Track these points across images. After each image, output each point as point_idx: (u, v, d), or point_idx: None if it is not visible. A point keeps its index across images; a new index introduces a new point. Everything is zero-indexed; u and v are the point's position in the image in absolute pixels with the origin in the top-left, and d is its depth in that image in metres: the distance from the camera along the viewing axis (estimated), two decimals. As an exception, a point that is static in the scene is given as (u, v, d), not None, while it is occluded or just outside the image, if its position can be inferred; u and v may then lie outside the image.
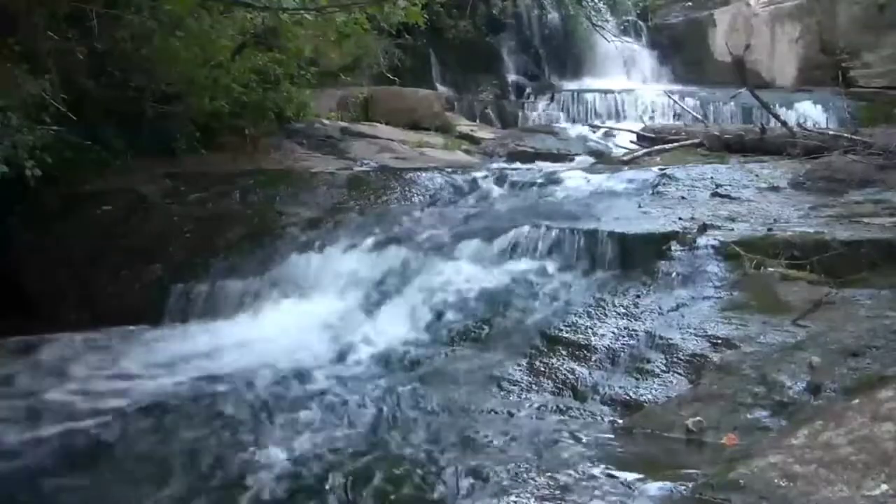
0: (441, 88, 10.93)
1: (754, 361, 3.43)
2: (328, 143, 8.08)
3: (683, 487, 2.52)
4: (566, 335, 4.03)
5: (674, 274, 4.44)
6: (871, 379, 3.02)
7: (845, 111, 9.03)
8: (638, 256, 4.69)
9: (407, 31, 9.81)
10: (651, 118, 10.02)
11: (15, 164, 4.88)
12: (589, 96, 10.79)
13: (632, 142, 8.92)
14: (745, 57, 9.43)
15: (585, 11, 12.28)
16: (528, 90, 11.42)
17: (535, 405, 3.58)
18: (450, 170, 6.88)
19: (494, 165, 7.66)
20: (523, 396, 3.66)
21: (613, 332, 3.99)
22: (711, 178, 6.19)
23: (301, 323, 4.72)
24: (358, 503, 2.81)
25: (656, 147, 8.11)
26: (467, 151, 8.72)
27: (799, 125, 7.68)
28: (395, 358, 4.18)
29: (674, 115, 10.01)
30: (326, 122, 8.68)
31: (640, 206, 5.61)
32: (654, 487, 2.60)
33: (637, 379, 3.62)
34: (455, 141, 9.02)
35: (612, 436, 3.26)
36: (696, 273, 4.40)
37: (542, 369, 3.81)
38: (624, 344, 3.88)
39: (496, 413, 3.53)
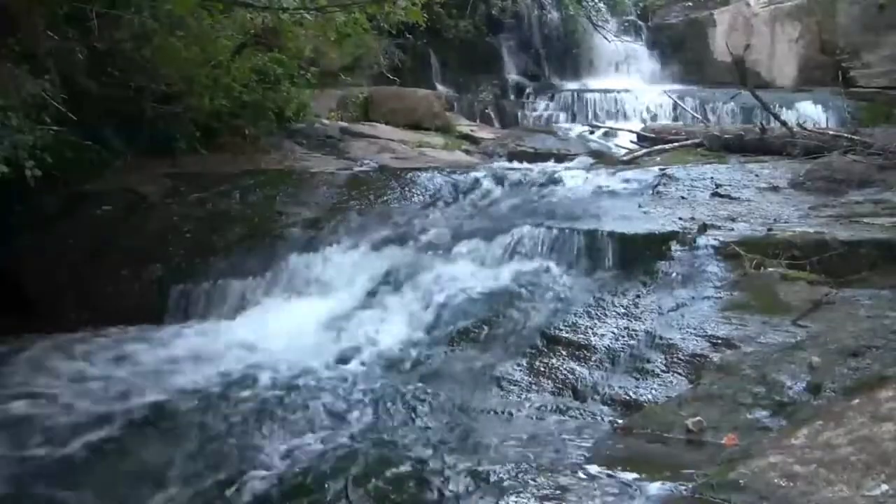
0: (441, 88, 10.91)
1: (754, 361, 3.42)
2: (328, 143, 8.08)
3: (683, 487, 2.52)
4: (566, 335, 4.03)
5: (674, 274, 4.44)
6: (871, 379, 3.02)
7: (845, 111, 9.01)
8: (638, 256, 4.69)
9: (407, 31, 9.81)
10: (651, 118, 10.02)
11: (15, 164, 4.87)
12: (589, 96, 10.77)
13: (632, 142, 8.91)
14: (745, 57, 9.44)
15: (585, 11, 12.27)
16: (528, 90, 11.41)
17: (535, 405, 3.58)
18: (450, 170, 6.87)
19: (494, 165, 7.65)
20: (523, 396, 3.66)
21: (613, 332, 3.99)
22: (711, 178, 6.19)
23: (301, 323, 4.72)
24: (358, 503, 2.81)
25: (656, 147, 8.10)
26: (467, 151, 8.71)
27: (799, 125, 7.66)
28: (395, 358, 4.18)
29: (674, 115, 10.01)
30: (326, 122, 8.67)
31: (640, 206, 5.61)
32: (654, 487, 2.60)
33: (637, 379, 3.62)
34: (455, 141, 9.01)
35: (612, 436, 3.26)
36: (696, 273, 4.40)
37: (542, 369, 3.81)
38: (624, 344, 3.88)
39: (496, 413, 3.53)
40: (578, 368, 3.78)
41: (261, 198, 6.19)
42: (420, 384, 3.82)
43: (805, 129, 7.50)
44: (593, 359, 3.82)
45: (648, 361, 3.69)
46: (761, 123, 8.00)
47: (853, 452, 2.34)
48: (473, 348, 4.14)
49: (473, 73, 11.44)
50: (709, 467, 2.61)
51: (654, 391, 3.52)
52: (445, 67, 11.37)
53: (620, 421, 3.36)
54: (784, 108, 8.94)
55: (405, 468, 2.98)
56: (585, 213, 5.56)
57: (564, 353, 3.90)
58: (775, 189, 5.94)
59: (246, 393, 3.81)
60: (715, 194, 5.82)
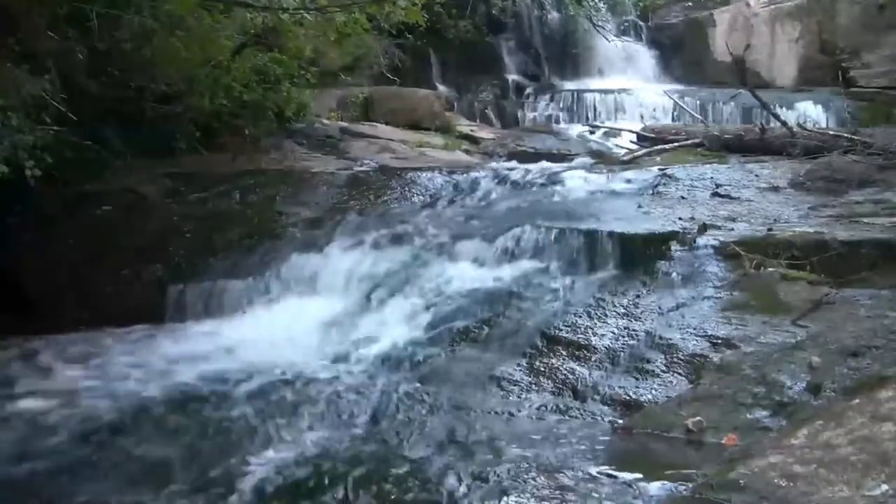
0: (441, 88, 10.91)
1: (754, 361, 3.43)
2: (328, 143, 8.08)
3: (683, 487, 2.52)
4: (566, 335, 4.02)
5: (674, 274, 4.44)
6: (871, 379, 3.02)
7: (845, 111, 9.01)
8: (638, 256, 4.69)
9: (407, 31, 9.81)
10: (651, 118, 10.02)
11: (15, 164, 4.88)
12: (589, 96, 10.77)
13: (632, 142, 8.91)
14: (745, 57, 9.41)
15: (585, 11, 12.27)
16: (528, 90, 11.41)
17: (535, 405, 3.57)
18: (450, 170, 6.88)
19: (494, 165, 7.65)
20: (523, 396, 3.66)
21: (613, 332, 3.98)
22: (711, 178, 6.20)
23: (301, 323, 4.72)
24: (358, 503, 2.81)
25: (656, 147, 8.10)
26: (467, 151, 8.71)
27: (799, 125, 7.66)
28: (395, 358, 4.17)
29: (674, 115, 10.00)
30: (326, 122, 8.68)
31: (640, 207, 5.61)
32: (654, 487, 2.60)
33: (637, 379, 3.61)
34: (455, 141, 9.01)
35: (611, 436, 3.26)
36: (696, 273, 4.40)
37: (542, 369, 3.81)
38: (624, 344, 3.88)
39: (496, 413, 3.53)
40: (578, 368, 3.77)
41: (261, 198, 6.19)
42: (420, 384, 3.82)
43: (805, 129, 7.50)
44: (593, 359, 3.82)
45: (648, 361, 3.69)
46: (761, 123, 8.00)
47: (853, 452, 2.34)
48: (473, 348, 4.13)
49: (473, 73, 11.44)
50: (709, 467, 2.62)
51: (654, 391, 3.51)
52: (445, 67, 11.37)
53: (620, 421, 3.36)
54: (784, 108, 8.93)
55: (405, 468, 2.98)
56: (585, 213, 5.56)
57: (564, 353, 3.90)
58: (775, 189, 5.94)
59: (246, 393, 3.81)
60: (715, 194, 5.82)
